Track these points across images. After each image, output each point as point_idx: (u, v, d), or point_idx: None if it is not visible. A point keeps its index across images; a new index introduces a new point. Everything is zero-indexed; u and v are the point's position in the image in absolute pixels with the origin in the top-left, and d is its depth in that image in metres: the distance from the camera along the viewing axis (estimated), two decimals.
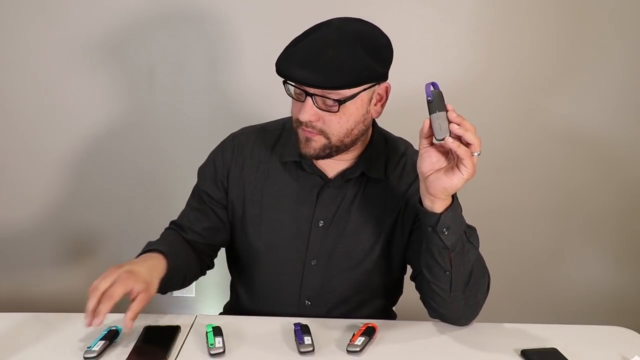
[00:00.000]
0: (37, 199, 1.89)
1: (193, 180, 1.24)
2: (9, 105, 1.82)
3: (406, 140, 1.22)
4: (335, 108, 1.01)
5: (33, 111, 1.82)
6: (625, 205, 1.94)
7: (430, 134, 0.93)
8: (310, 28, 1.04)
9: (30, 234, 1.90)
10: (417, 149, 0.97)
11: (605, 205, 1.93)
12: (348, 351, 0.99)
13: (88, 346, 0.96)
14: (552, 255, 1.98)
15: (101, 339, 0.97)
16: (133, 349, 0.97)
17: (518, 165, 1.89)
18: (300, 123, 1.04)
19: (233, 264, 1.28)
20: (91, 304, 0.92)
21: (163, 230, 1.25)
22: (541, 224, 1.94)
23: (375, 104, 1.07)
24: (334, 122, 1.03)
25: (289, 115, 1.11)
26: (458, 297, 1.04)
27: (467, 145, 0.91)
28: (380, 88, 1.06)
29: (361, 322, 1.06)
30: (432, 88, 0.92)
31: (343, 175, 1.13)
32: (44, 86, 1.80)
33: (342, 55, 0.98)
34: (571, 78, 1.83)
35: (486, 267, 1.08)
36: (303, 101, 1.02)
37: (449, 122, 0.91)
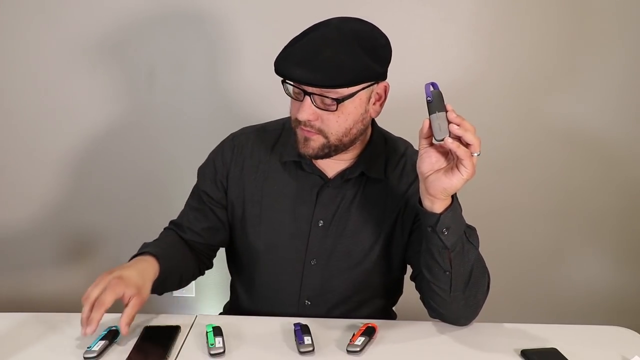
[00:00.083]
0: (37, 199, 1.89)
1: (193, 180, 1.24)
2: (9, 105, 1.82)
3: (406, 140, 1.22)
4: (334, 107, 1.01)
5: (33, 111, 1.82)
6: (625, 205, 1.94)
7: (430, 134, 0.93)
8: (309, 28, 1.04)
9: (30, 234, 1.90)
10: (417, 149, 0.98)
11: (605, 205, 1.93)
12: (348, 351, 0.99)
13: (88, 346, 0.96)
14: (552, 255, 1.98)
15: (101, 339, 0.97)
16: (133, 348, 0.97)
17: (518, 165, 1.89)
18: (299, 122, 1.04)
19: (233, 264, 1.28)
20: (84, 313, 0.95)
21: (164, 228, 1.26)
22: (541, 224, 1.94)
23: (374, 104, 1.07)
24: (333, 121, 1.03)
25: (289, 115, 1.11)
26: (458, 297, 1.04)
27: (467, 145, 0.91)
28: (379, 87, 1.06)
29: (361, 322, 1.06)
30: (431, 88, 0.92)
31: (342, 175, 1.13)
32: (44, 86, 1.80)
33: (341, 55, 0.98)
34: (571, 78, 1.83)
35: (486, 267, 1.08)
36: (302, 100, 1.02)
37: (449, 122, 0.91)
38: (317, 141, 1.05)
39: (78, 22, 1.75)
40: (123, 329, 0.96)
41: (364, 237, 1.15)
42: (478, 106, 1.81)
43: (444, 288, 1.04)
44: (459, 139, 0.91)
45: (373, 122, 1.16)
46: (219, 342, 0.98)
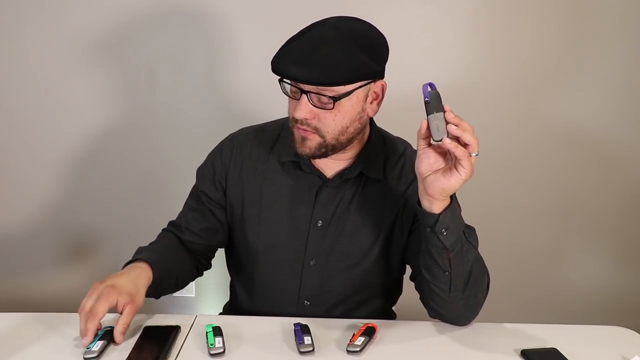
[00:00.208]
0: (37, 199, 1.89)
1: (193, 180, 1.24)
2: (9, 105, 1.82)
3: (404, 140, 1.22)
4: (330, 105, 1.01)
5: (33, 111, 1.82)
6: (625, 205, 1.93)
7: (428, 135, 0.93)
8: (306, 27, 1.04)
9: (30, 234, 1.90)
10: (416, 149, 0.98)
11: (605, 205, 1.93)
12: (348, 351, 0.99)
13: (87, 347, 0.96)
14: (552, 255, 1.98)
15: (100, 339, 0.97)
16: (133, 349, 0.97)
17: (518, 165, 1.89)
18: (296, 121, 1.04)
19: (232, 264, 1.28)
20: (80, 325, 0.96)
21: (162, 229, 1.26)
22: (541, 224, 1.94)
23: (371, 102, 1.07)
24: (329, 119, 1.03)
25: (288, 115, 1.11)
26: (457, 297, 1.04)
27: (465, 145, 0.91)
28: (376, 86, 1.06)
29: (361, 322, 1.06)
30: (429, 89, 0.92)
31: (341, 175, 1.13)
32: (44, 86, 1.80)
33: (338, 53, 0.98)
34: (571, 78, 1.83)
35: (485, 267, 1.08)
36: (299, 99, 1.02)
37: (447, 122, 0.91)
38: (313, 140, 1.05)
39: (78, 22, 1.75)
40: (118, 338, 0.97)
41: (363, 237, 1.15)
42: (477, 106, 1.81)
43: (443, 288, 1.04)
44: (457, 139, 0.91)
45: (372, 121, 1.16)
46: (219, 342, 0.98)
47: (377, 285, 1.20)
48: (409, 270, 1.20)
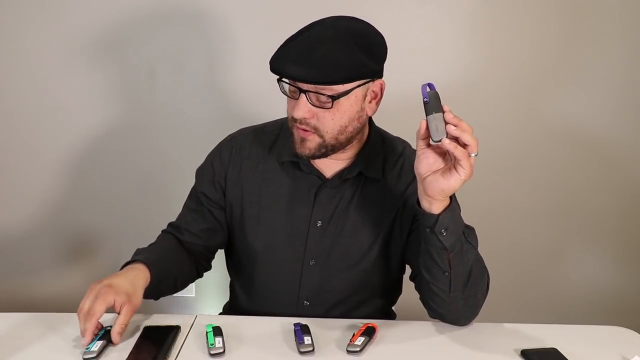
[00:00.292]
0: (37, 199, 1.89)
1: (193, 180, 1.24)
2: (9, 105, 1.82)
3: (404, 140, 1.22)
4: (329, 104, 1.01)
5: (33, 111, 1.82)
6: (625, 205, 1.93)
7: (427, 135, 0.93)
8: (304, 27, 1.04)
9: (30, 234, 1.90)
10: (415, 149, 0.97)
11: (605, 205, 1.93)
12: (348, 351, 0.99)
13: (86, 347, 0.96)
14: (552, 255, 1.98)
15: (99, 339, 0.97)
16: (133, 348, 0.97)
17: (518, 165, 1.89)
18: (295, 121, 1.04)
19: (232, 264, 1.28)
20: (80, 326, 0.97)
21: (162, 231, 1.26)
22: (541, 224, 1.94)
23: (369, 102, 1.07)
24: (328, 118, 1.03)
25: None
26: (457, 298, 1.04)
27: (464, 146, 0.90)
28: (374, 85, 1.06)
29: (361, 322, 1.06)
30: (428, 89, 0.92)
31: (340, 175, 1.13)
32: (44, 86, 1.80)
33: (336, 52, 0.98)
34: (571, 78, 1.83)
35: (485, 267, 1.08)
36: (297, 99, 1.02)
37: (446, 123, 0.91)
38: (313, 141, 1.05)
39: (78, 22, 1.75)
40: (115, 338, 0.97)
41: (362, 237, 1.15)
42: (477, 106, 1.81)
43: (443, 289, 1.04)
44: (456, 139, 0.91)
45: (371, 121, 1.16)
46: (219, 342, 0.98)
47: (376, 285, 1.20)
48: (408, 270, 1.20)
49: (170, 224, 1.25)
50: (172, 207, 1.30)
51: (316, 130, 1.04)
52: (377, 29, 1.06)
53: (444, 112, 0.91)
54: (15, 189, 1.88)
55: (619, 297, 2.00)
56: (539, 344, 1.03)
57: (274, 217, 1.16)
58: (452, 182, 0.92)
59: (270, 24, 1.74)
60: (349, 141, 1.08)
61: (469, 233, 1.04)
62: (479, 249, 1.06)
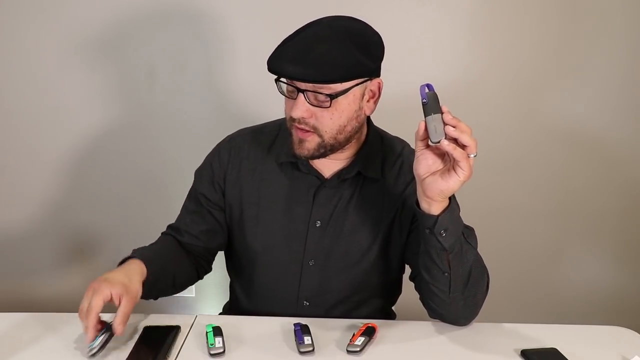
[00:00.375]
0: (37, 199, 1.89)
1: (192, 180, 1.24)
2: (9, 105, 1.82)
3: (402, 140, 1.22)
4: (327, 103, 1.00)
5: (33, 111, 1.82)
6: (625, 205, 1.93)
7: (426, 136, 0.93)
8: (301, 27, 1.04)
9: (30, 234, 1.90)
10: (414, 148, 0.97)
11: (605, 205, 1.93)
12: (348, 351, 0.99)
13: (89, 345, 0.95)
14: (552, 255, 1.98)
15: (102, 335, 0.96)
16: (133, 348, 0.97)
17: (518, 165, 1.89)
18: (293, 121, 1.04)
19: (231, 265, 1.28)
20: (83, 326, 0.96)
21: (163, 230, 1.26)
22: (541, 224, 1.94)
23: (367, 101, 1.07)
24: (327, 118, 1.02)
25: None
26: (457, 298, 1.04)
27: (463, 147, 0.90)
28: (372, 84, 1.06)
29: (361, 322, 1.06)
30: (426, 90, 0.92)
31: (339, 175, 1.13)
32: (44, 86, 1.80)
33: (333, 51, 0.98)
34: (571, 78, 1.83)
35: (485, 267, 1.08)
36: (295, 98, 1.02)
37: (445, 124, 0.90)
38: (312, 142, 1.05)
39: (78, 22, 1.75)
40: (117, 329, 0.95)
41: (361, 237, 1.15)
42: (477, 106, 1.81)
43: (443, 289, 1.04)
44: (455, 140, 0.90)
45: (369, 121, 1.16)
46: (219, 342, 0.98)
47: (376, 285, 1.20)
48: (408, 270, 1.20)
49: (169, 226, 1.25)
50: (172, 207, 1.30)
51: (315, 130, 1.04)
52: (377, 29, 1.06)
53: (442, 113, 0.91)
54: (15, 189, 1.88)
55: (619, 297, 2.00)
56: (539, 344, 1.03)
57: (273, 217, 1.16)
58: (451, 183, 0.92)
59: (271, 24, 1.74)
60: (347, 141, 1.08)
61: (468, 233, 1.04)
62: (478, 249, 1.06)
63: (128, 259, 1.09)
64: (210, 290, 1.94)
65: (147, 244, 1.19)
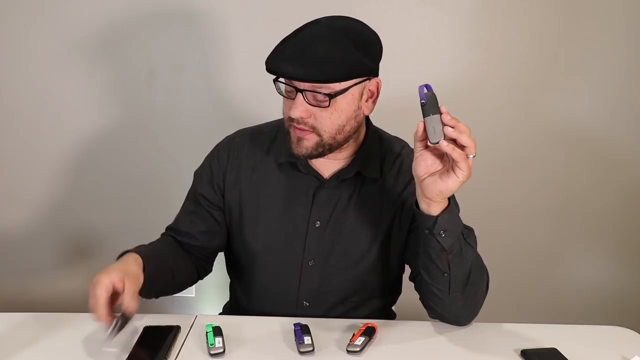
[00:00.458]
0: (36, 199, 1.89)
1: (192, 180, 1.24)
2: (9, 105, 1.82)
3: (402, 140, 1.22)
4: (326, 103, 1.00)
5: (33, 111, 1.82)
6: (625, 205, 1.93)
7: (425, 137, 0.92)
8: (299, 27, 1.04)
9: (29, 234, 1.90)
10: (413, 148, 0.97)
11: (605, 205, 1.93)
12: (348, 351, 0.99)
13: (107, 329, 0.93)
14: (552, 255, 1.98)
15: (114, 326, 0.94)
16: (133, 348, 0.97)
17: (518, 165, 1.89)
18: (292, 121, 1.04)
19: (231, 266, 1.28)
20: (97, 320, 0.92)
21: (162, 231, 1.25)
22: (541, 224, 1.94)
23: (366, 100, 1.07)
24: (326, 117, 1.02)
25: None
26: (457, 298, 1.04)
27: (462, 147, 0.90)
28: (371, 84, 1.06)
29: (361, 322, 1.06)
30: (425, 90, 0.91)
31: (338, 175, 1.13)
32: (44, 86, 1.80)
33: (332, 50, 0.98)
34: (571, 78, 1.83)
35: (485, 267, 1.08)
36: (294, 98, 1.02)
37: (443, 124, 0.90)
38: (310, 140, 1.04)
39: (78, 22, 1.75)
40: (129, 307, 0.93)
41: (361, 237, 1.15)
42: (477, 106, 1.81)
43: (442, 289, 1.04)
44: (454, 141, 0.90)
45: (368, 121, 1.16)
46: (219, 342, 0.98)
47: (376, 285, 1.20)
48: (408, 270, 1.20)
49: (168, 227, 1.25)
50: (172, 207, 1.30)
51: (314, 130, 1.04)
52: (377, 29, 1.06)
53: (441, 114, 0.90)
54: (15, 189, 1.88)
55: (619, 297, 2.00)
56: (539, 344, 1.03)
57: (273, 218, 1.16)
58: (450, 184, 0.92)
59: (270, 25, 1.74)
60: (346, 140, 1.08)
61: (467, 234, 1.03)
62: (478, 249, 1.06)
63: (124, 254, 1.08)
64: (210, 290, 1.94)
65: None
